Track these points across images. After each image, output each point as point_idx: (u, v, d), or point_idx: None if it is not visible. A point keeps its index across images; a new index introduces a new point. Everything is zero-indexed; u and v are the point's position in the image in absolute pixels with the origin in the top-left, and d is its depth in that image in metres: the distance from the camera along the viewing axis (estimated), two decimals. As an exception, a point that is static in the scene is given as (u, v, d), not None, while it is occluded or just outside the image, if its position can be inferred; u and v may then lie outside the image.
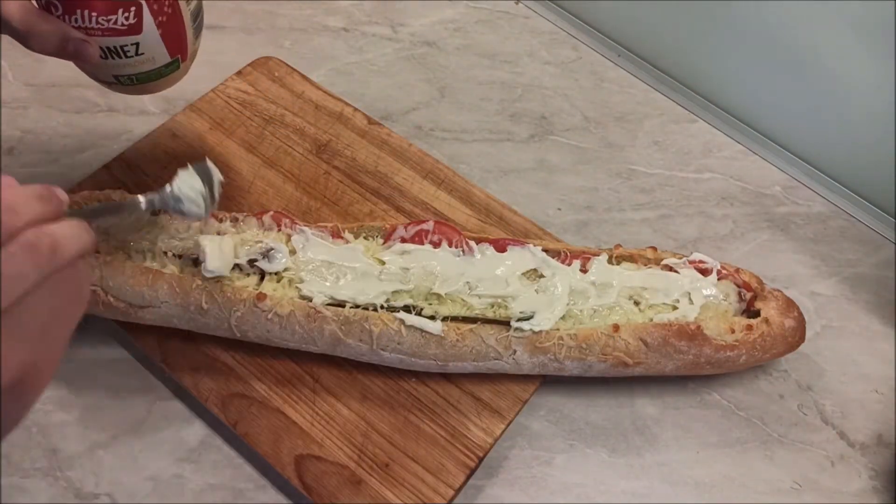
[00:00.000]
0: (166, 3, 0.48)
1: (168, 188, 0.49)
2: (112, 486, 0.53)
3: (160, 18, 0.48)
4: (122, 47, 0.47)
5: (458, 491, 0.52)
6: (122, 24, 0.46)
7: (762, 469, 0.57)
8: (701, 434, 0.58)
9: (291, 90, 0.72)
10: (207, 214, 0.50)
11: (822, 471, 0.57)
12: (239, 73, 0.73)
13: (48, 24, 0.44)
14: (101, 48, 0.47)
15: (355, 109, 0.71)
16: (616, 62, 0.82)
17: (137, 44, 0.48)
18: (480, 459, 0.53)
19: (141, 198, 0.48)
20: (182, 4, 0.49)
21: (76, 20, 0.45)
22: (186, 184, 0.49)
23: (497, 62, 0.81)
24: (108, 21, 0.46)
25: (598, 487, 0.55)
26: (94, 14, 0.45)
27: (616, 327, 0.54)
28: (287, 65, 0.74)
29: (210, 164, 0.50)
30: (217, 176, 0.51)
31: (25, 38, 0.44)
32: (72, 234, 0.37)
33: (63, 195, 0.38)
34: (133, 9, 0.46)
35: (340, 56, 0.80)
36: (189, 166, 0.50)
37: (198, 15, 0.52)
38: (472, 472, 0.53)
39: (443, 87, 0.78)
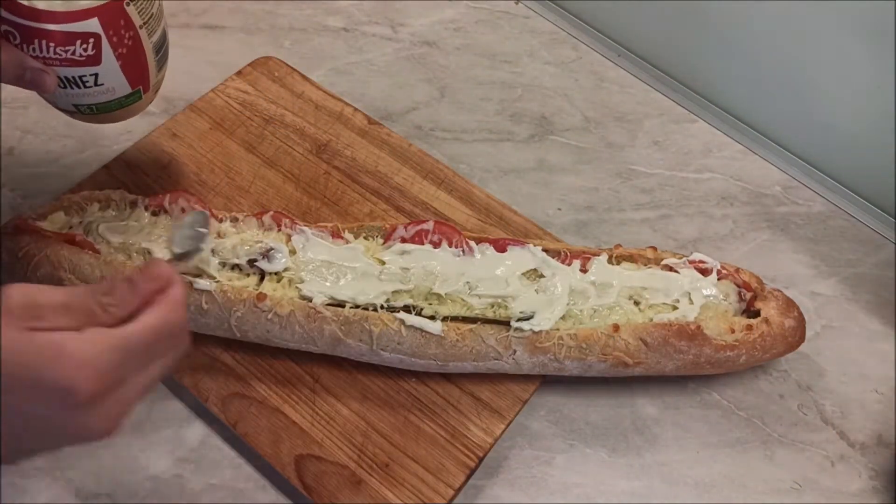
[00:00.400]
0: (126, 35, 0.47)
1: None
2: (112, 486, 0.53)
3: (120, 50, 0.47)
4: (80, 77, 0.47)
5: (458, 491, 0.52)
6: (81, 56, 0.46)
7: (762, 469, 0.57)
8: (701, 434, 0.58)
9: (291, 90, 0.72)
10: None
11: (822, 471, 0.57)
12: (239, 73, 0.73)
13: (5, 54, 0.44)
14: (59, 77, 0.46)
15: (355, 109, 0.71)
16: (616, 62, 0.82)
17: (97, 74, 0.47)
18: (480, 459, 0.53)
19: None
20: (143, 37, 0.48)
21: (34, 50, 0.45)
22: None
23: (497, 62, 0.81)
24: (66, 52, 0.45)
25: (598, 487, 0.55)
26: (51, 44, 0.45)
27: (616, 327, 0.54)
28: (287, 65, 0.74)
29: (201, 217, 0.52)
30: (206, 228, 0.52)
31: None
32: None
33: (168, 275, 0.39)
34: (91, 40, 0.45)
35: (340, 56, 0.80)
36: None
37: (161, 47, 0.51)
38: (472, 472, 0.53)
39: (443, 87, 0.78)
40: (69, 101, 0.49)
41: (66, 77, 0.47)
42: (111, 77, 0.48)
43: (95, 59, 0.46)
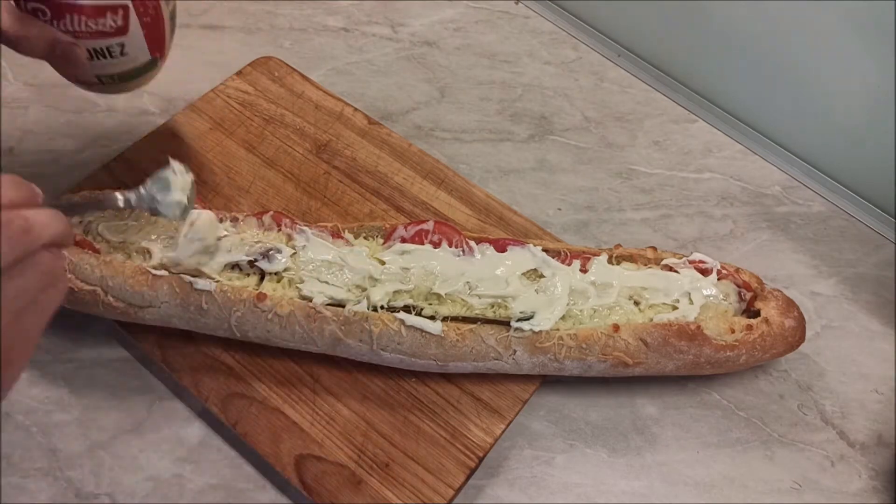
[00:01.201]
0: (150, 5, 0.49)
1: (142, 188, 0.50)
2: (112, 486, 0.53)
3: (145, 19, 0.49)
4: (108, 48, 0.49)
5: (458, 491, 0.52)
6: (110, 27, 0.48)
7: (762, 469, 0.57)
8: (701, 434, 0.58)
9: (291, 90, 0.72)
10: (184, 215, 0.51)
11: (822, 471, 0.57)
12: (239, 73, 0.73)
13: (36, 29, 0.46)
14: (87, 49, 0.48)
15: (355, 109, 0.71)
16: (616, 62, 0.82)
17: (123, 44, 0.49)
18: (480, 459, 0.53)
19: (119, 195, 0.49)
20: (162, 5, 0.51)
21: (64, 24, 0.46)
22: (160, 184, 0.50)
23: (497, 62, 0.81)
24: (97, 24, 0.47)
25: (598, 487, 0.55)
26: (82, 18, 0.46)
27: (616, 327, 0.54)
28: (287, 65, 0.74)
29: (176, 165, 0.51)
30: (185, 176, 0.52)
31: (14, 43, 0.46)
32: (47, 219, 0.37)
33: (36, 188, 0.39)
34: (121, 11, 0.47)
35: (340, 56, 0.80)
36: (165, 168, 0.51)
37: (173, 16, 0.54)
38: (472, 472, 0.53)
39: (443, 87, 0.78)
40: (93, 73, 0.51)
41: (93, 49, 0.49)
42: (136, 46, 0.50)
43: (123, 30, 0.49)
